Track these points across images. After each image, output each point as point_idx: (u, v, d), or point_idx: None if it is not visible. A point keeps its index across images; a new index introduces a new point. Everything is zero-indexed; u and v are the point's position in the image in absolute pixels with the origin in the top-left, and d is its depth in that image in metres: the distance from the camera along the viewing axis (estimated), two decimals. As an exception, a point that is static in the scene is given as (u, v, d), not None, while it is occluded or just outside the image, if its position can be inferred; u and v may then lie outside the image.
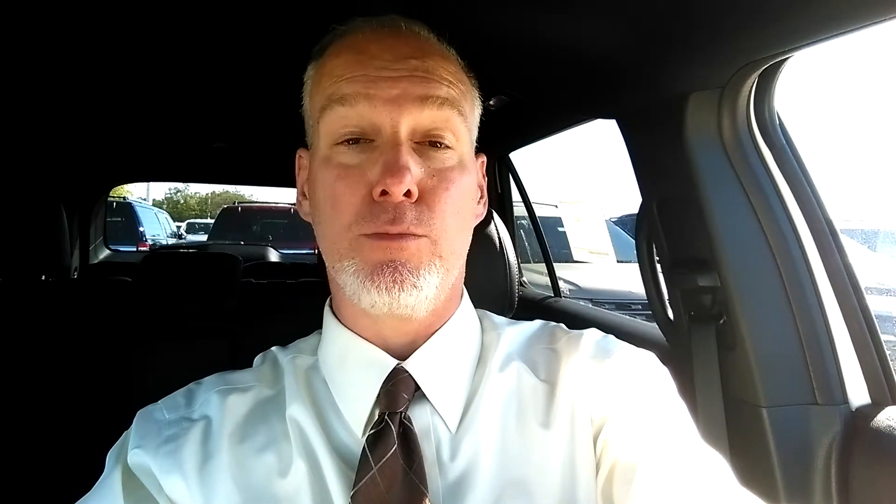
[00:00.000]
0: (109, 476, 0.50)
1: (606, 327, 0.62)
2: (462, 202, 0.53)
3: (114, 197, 6.36)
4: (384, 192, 0.48)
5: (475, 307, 0.64)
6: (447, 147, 0.53)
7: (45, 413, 1.31)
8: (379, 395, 0.53)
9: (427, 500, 0.48)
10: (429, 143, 0.53)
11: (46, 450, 1.28)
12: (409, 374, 0.53)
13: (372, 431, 0.51)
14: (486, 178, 0.65)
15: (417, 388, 0.53)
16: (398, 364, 0.54)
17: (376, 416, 0.52)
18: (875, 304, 0.86)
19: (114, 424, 0.59)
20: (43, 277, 1.62)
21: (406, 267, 0.49)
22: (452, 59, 0.58)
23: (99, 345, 1.40)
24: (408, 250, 0.49)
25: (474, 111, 0.59)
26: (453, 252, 0.53)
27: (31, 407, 1.31)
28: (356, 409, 0.53)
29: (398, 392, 0.52)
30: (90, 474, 0.52)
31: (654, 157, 1.01)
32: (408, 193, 0.49)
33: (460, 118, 0.54)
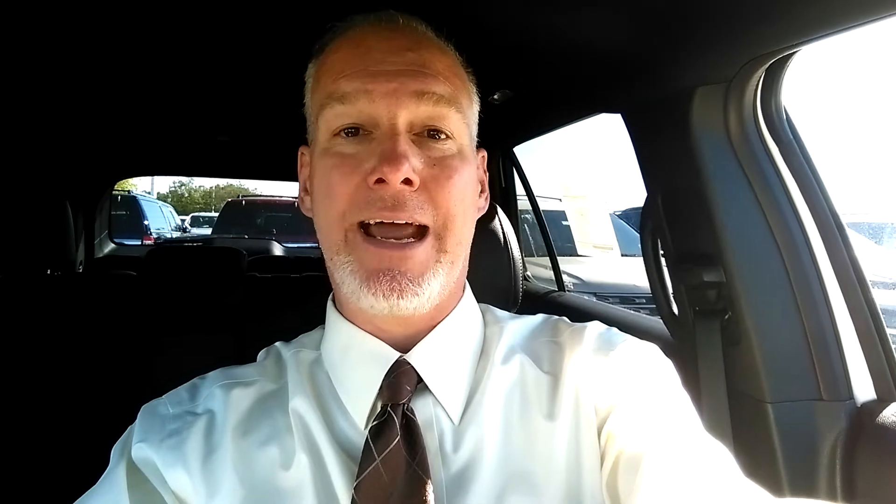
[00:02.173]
0: (114, 470, 0.50)
1: (610, 321, 0.62)
2: (464, 191, 0.54)
3: (118, 190, 6.38)
4: (379, 181, 0.49)
5: (479, 301, 0.64)
6: (447, 137, 0.53)
7: (51, 407, 1.32)
8: (381, 387, 0.53)
9: (430, 491, 0.48)
10: (427, 133, 0.53)
11: (51, 444, 1.28)
12: (412, 366, 0.53)
13: (375, 423, 0.51)
14: (489, 173, 0.65)
15: (420, 380, 0.53)
16: (400, 356, 0.54)
17: (379, 408, 0.52)
18: (881, 299, 0.86)
19: (119, 418, 0.59)
20: (48, 272, 1.63)
21: (406, 276, 0.49)
22: (450, 53, 0.58)
23: (104, 339, 1.41)
24: (412, 259, 0.49)
25: (472, 106, 0.59)
26: (458, 243, 0.53)
27: (36, 401, 1.32)
28: (359, 401, 0.54)
29: (400, 384, 0.52)
30: (95, 468, 0.52)
31: (659, 151, 1.00)
32: (408, 182, 0.49)
33: (458, 114, 0.54)
